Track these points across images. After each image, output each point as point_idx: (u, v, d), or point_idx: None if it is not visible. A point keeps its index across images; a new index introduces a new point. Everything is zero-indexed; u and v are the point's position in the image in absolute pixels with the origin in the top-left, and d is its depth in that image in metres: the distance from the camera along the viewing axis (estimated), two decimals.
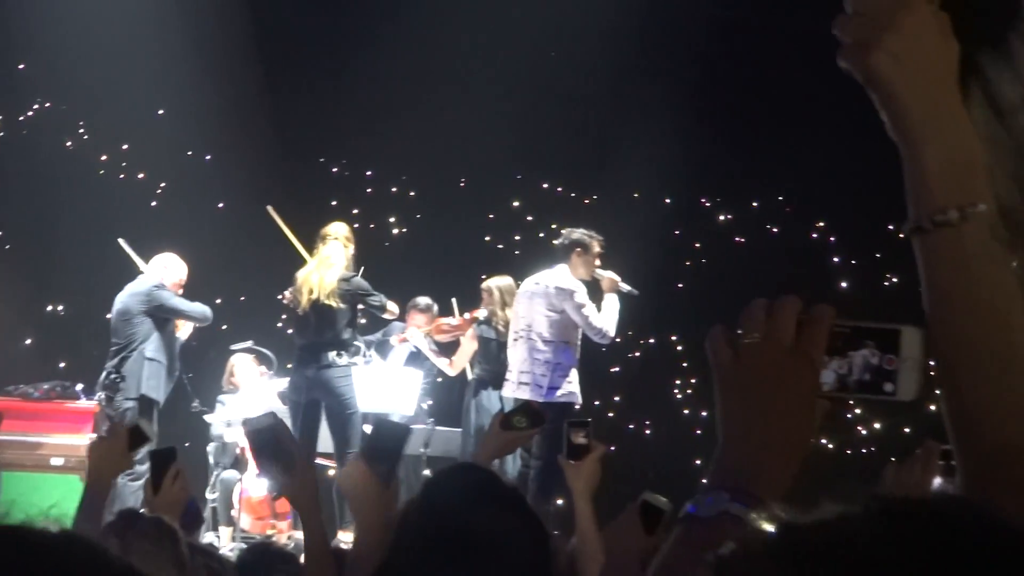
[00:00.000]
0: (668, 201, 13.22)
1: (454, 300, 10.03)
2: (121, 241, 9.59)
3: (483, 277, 9.68)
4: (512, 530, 2.33)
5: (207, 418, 9.88)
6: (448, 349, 9.99)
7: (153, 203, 12.42)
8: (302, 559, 7.65)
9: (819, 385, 1.39)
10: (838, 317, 1.40)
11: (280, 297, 8.98)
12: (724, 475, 1.37)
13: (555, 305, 8.55)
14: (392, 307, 8.82)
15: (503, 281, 9.47)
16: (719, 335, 1.41)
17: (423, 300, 10.10)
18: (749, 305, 1.39)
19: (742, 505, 1.33)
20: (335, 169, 13.32)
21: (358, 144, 12.84)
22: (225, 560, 5.86)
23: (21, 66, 12.36)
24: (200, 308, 9.38)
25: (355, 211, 12.51)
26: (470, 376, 9.57)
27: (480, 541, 2.27)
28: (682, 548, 1.35)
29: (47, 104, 12.60)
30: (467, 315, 9.68)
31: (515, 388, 8.58)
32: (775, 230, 13.27)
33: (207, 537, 8.82)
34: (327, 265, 8.50)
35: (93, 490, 4.36)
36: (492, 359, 9.23)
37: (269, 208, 9.51)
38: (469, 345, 9.35)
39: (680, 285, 13.22)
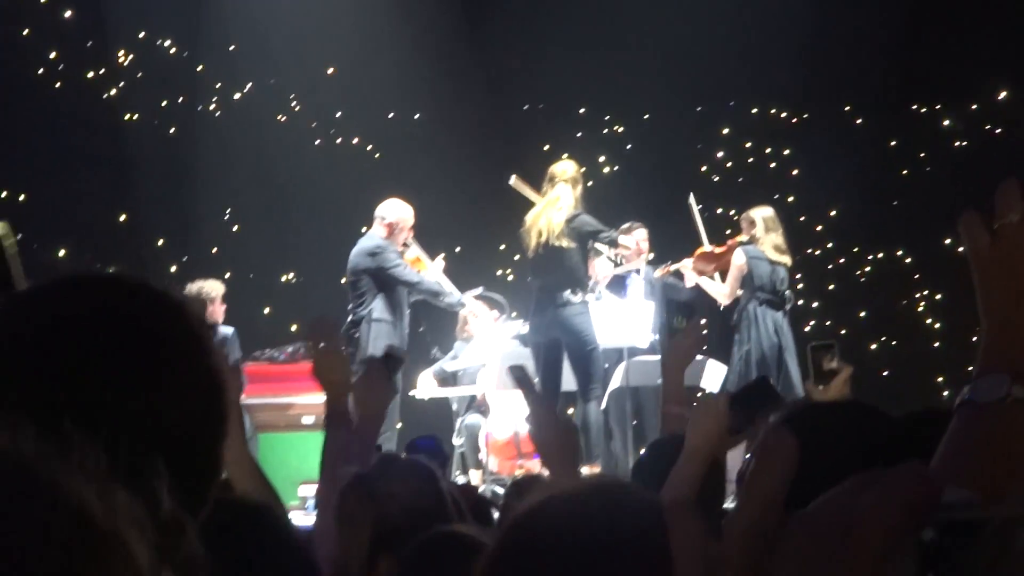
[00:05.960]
0: (882, 111, 12.91)
1: (692, 199, 9.89)
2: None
3: (732, 213, 9.75)
4: None
5: (446, 366, 10.06)
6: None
7: (367, 166, 12.68)
8: None
9: None
10: None
11: None
12: (998, 358, 1.32)
13: None
14: (626, 240, 8.80)
15: (765, 210, 9.42)
16: (973, 220, 1.36)
17: (626, 224, 9.81)
18: (1003, 185, 1.34)
19: None
20: (540, 111, 13.37)
21: (563, 84, 12.86)
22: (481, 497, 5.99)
23: (232, 47, 12.75)
24: (426, 282, 9.13)
25: (564, 155, 12.57)
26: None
27: None
28: (964, 437, 1.32)
29: (266, 80, 12.97)
30: (728, 242, 9.59)
31: None
32: (998, 131, 12.84)
33: (459, 480, 9.00)
34: (554, 207, 8.55)
35: (366, 427, 4.23)
36: (765, 279, 9.18)
37: (513, 178, 9.40)
38: (737, 270, 9.28)
39: (895, 202, 12.93)
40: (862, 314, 12.88)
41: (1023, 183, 1.35)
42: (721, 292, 9.44)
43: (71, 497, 0.72)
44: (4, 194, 11.80)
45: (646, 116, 13.25)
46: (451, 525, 3.79)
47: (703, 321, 9.05)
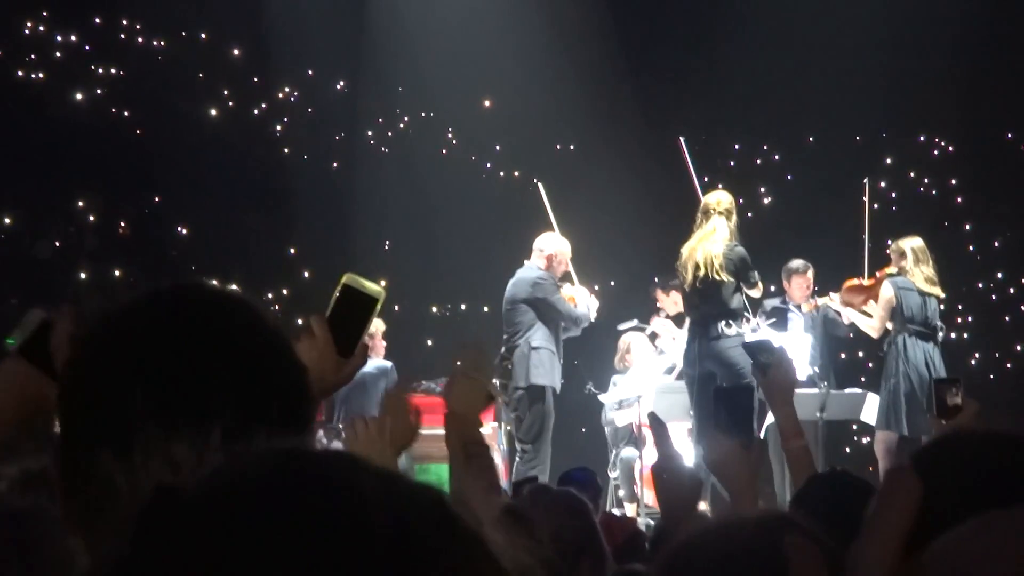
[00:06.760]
0: None
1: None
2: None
3: (889, 242, 9.61)
4: None
5: (601, 398, 10.07)
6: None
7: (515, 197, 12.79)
8: None
9: None
10: None
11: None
12: None
13: None
14: (760, 287, 8.79)
15: (915, 241, 9.28)
16: None
17: (797, 262, 9.94)
18: None
19: None
20: (701, 141, 13.33)
21: (719, 115, 12.80)
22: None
23: (394, 83, 13.00)
24: (580, 313, 9.27)
25: (720, 185, 12.51)
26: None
27: None
28: None
29: (421, 114, 13.19)
30: (877, 274, 9.46)
31: None
32: None
33: (615, 512, 8.99)
34: (710, 239, 8.50)
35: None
36: (915, 311, 9.02)
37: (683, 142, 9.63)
38: (886, 302, 9.14)
39: None
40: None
41: None
42: (871, 325, 9.30)
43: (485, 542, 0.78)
44: (178, 229, 12.21)
45: (807, 142, 13.11)
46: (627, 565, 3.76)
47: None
